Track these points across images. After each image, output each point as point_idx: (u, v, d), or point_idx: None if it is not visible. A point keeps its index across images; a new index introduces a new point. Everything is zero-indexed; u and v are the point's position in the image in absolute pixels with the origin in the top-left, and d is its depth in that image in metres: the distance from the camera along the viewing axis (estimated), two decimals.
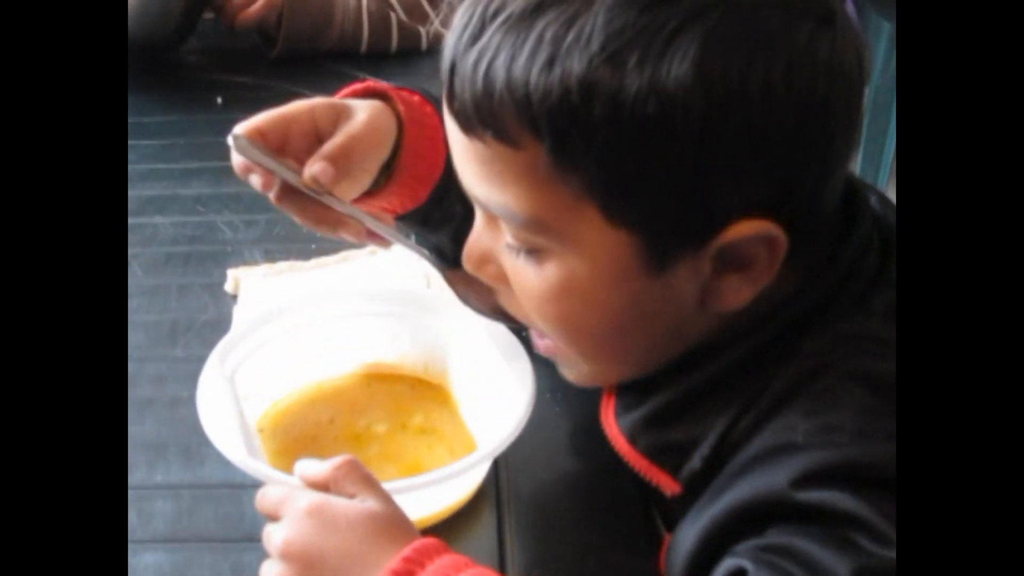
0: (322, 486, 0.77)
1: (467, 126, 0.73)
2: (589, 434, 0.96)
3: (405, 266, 1.14)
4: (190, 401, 0.96)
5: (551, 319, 0.79)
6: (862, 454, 0.68)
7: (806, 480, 0.67)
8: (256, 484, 0.86)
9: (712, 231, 0.71)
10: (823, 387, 0.72)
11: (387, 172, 0.96)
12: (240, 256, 1.22)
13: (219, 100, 1.58)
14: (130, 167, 1.40)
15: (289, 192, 0.89)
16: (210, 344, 0.93)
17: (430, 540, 0.73)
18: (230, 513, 0.90)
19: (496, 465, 0.92)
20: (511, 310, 0.84)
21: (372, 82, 0.99)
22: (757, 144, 0.68)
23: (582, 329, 0.79)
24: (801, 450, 0.69)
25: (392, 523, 0.75)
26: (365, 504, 0.75)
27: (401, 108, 0.96)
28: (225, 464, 0.92)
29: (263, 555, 0.76)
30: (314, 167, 0.87)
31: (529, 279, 0.77)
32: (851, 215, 0.78)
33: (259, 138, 0.88)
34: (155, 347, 1.08)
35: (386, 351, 1.01)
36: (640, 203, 0.71)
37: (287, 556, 0.73)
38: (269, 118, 0.89)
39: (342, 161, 0.88)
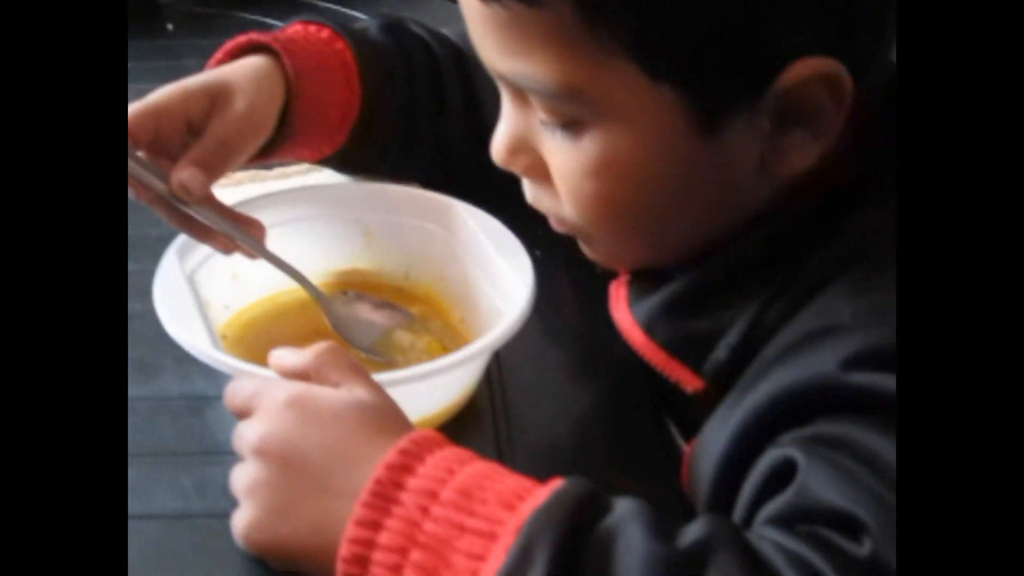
0: (302, 376, 0.67)
1: None
2: (592, 347, 0.88)
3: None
4: (143, 316, 0.86)
5: (594, 201, 0.70)
6: None
7: (858, 362, 0.59)
8: (219, 397, 0.76)
9: (767, 78, 0.64)
10: (869, 266, 0.64)
11: (282, 129, 0.88)
12: None
13: (169, 27, 1.47)
14: None
15: (159, 197, 0.81)
16: None
17: (429, 432, 0.63)
18: (190, 426, 0.79)
19: (491, 382, 0.83)
20: (543, 205, 0.76)
21: (256, 34, 0.90)
22: None
23: (626, 209, 0.70)
24: (849, 331, 0.61)
25: (384, 413, 0.65)
26: (352, 393, 0.65)
27: (287, 63, 0.88)
28: (183, 377, 0.83)
29: (229, 468, 0.67)
30: (182, 174, 0.79)
31: (568, 158, 0.69)
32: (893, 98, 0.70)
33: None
34: None
35: (361, 257, 0.90)
36: (682, 50, 0.63)
37: (263, 454, 0.63)
38: (135, 115, 0.81)
39: (216, 165, 0.81)
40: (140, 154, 0.81)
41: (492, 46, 0.68)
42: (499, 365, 0.84)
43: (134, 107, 0.82)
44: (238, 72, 0.86)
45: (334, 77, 0.91)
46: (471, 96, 0.98)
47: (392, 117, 0.95)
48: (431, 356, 0.82)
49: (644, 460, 0.79)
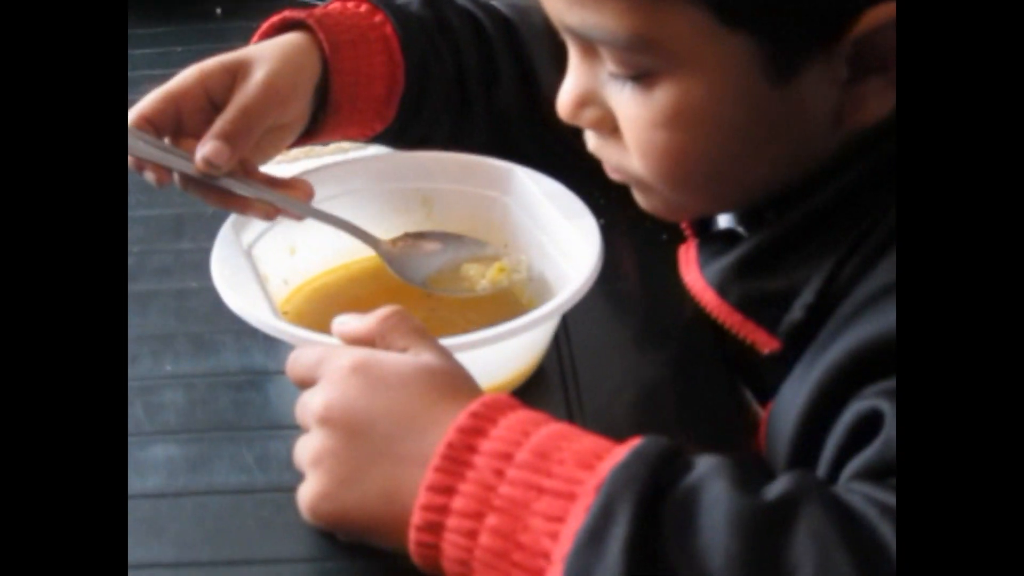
0: (367, 343, 0.65)
1: None
2: (659, 312, 0.86)
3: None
4: (201, 292, 0.85)
5: (665, 153, 0.68)
6: None
7: None
8: (279, 372, 0.74)
9: (842, 23, 0.61)
10: None
11: (324, 107, 0.87)
12: None
13: (218, 11, 1.46)
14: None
15: (192, 179, 0.80)
16: None
17: (500, 395, 0.60)
18: (252, 400, 0.78)
19: (560, 349, 0.80)
20: (606, 156, 0.74)
21: (290, 12, 0.89)
22: None
23: (697, 160, 0.68)
24: None
25: (453, 377, 0.63)
26: (420, 358, 0.63)
27: (322, 37, 0.86)
28: (242, 352, 0.82)
29: (292, 442, 0.65)
30: (204, 149, 0.78)
31: (639, 110, 0.67)
32: None
33: (146, 126, 0.80)
34: (157, 240, 0.96)
35: (422, 227, 0.88)
36: None
37: (328, 422, 0.61)
38: (154, 100, 0.80)
39: (239, 135, 0.79)
40: (165, 141, 0.80)
41: None
42: (567, 332, 0.81)
43: (152, 94, 0.81)
44: (263, 47, 0.85)
45: (374, 50, 0.89)
46: (524, 64, 0.96)
47: (441, 88, 0.93)
48: (495, 286, 0.81)
49: (717, 425, 0.77)
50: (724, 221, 0.79)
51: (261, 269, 0.80)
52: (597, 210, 0.82)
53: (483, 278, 0.82)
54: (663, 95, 0.65)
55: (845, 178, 0.67)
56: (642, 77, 0.66)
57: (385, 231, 0.86)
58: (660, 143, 0.67)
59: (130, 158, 0.79)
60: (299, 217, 0.82)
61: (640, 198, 0.75)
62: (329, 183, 0.85)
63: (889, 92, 0.64)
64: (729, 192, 0.72)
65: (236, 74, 0.82)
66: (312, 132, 0.88)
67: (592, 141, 0.74)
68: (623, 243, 0.90)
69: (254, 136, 0.81)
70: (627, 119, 0.68)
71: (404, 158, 0.90)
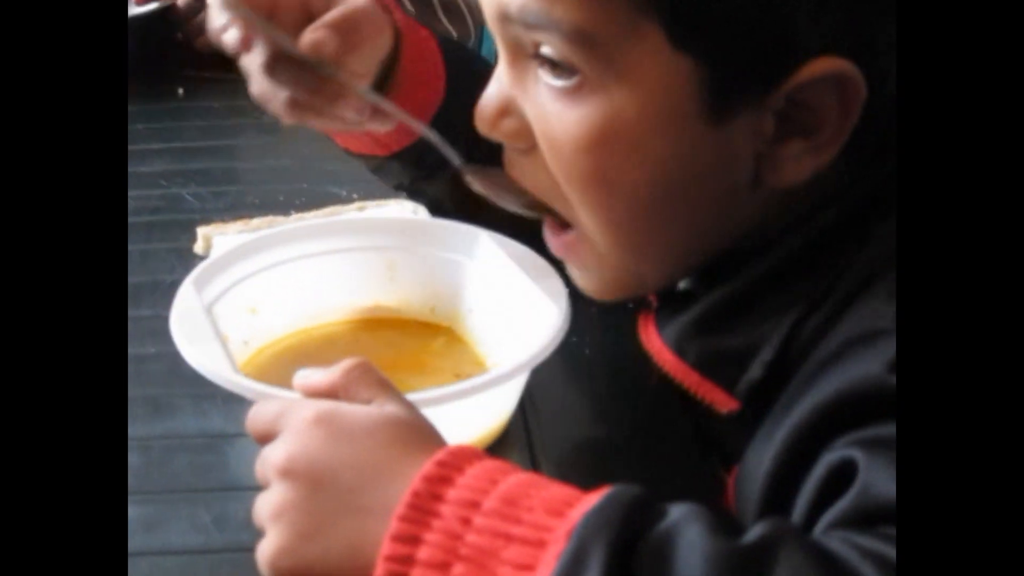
0: (329, 395, 0.63)
1: None
2: (625, 376, 0.85)
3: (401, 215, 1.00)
4: (159, 357, 0.84)
5: (584, 175, 0.66)
6: None
7: None
8: (237, 434, 0.73)
9: (783, 69, 0.62)
10: None
11: (382, 87, 0.85)
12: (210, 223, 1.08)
13: (180, 91, 1.46)
14: None
15: (280, 60, 0.78)
16: None
17: (465, 445, 0.59)
18: (209, 463, 0.76)
19: (524, 412, 0.79)
20: (526, 181, 0.71)
21: None
22: None
23: (620, 190, 0.66)
24: (892, 335, 0.57)
25: (418, 429, 0.61)
26: (383, 409, 0.61)
27: (399, 18, 0.87)
28: (202, 414, 0.80)
29: (250, 503, 0.62)
30: (316, 33, 0.76)
31: (563, 124, 0.65)
32: None
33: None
34: None
35: (386, 292, 0.87)
36: (712, 22, 0.61)
37: (289, 474, 0.59)
38: None
39: (347, 33, 0.78)
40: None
41: None
42: (532, 397, 0.80)
43: None
44: None
45: (425, 56, 0.90)
46: None
47: (466, 114, 0.93)
48: None
49: (684, 491, 0.75)
50: (684, 281, 0.78)
51: (221, 328, 0.78)
52: (564, 278, 0.81)
53: None
54: (592, 109, 0.64)
55: (803, 236, 0.66)
56: (571, 89, 0.64)
57: (349, 293, 0.85)
58: (584, 165, 0.65)
59: (215, 26, 0.79)
60: (390, 121, 0.82)
61: (578, 276, 0.74)
62: (292, 246, 0.84)
63: (808, 160, 0.64)
64: (662, 246, 0.70)
65: None
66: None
67: (507, 157, 0.72)
68: (589, 311, 0.89)
69: (357, 41, 0.80)
70: (548, 137, 0.66)
71: (369, 221, 0.90)
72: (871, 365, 0.57)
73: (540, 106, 0.66)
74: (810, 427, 0.59)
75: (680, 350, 0.70)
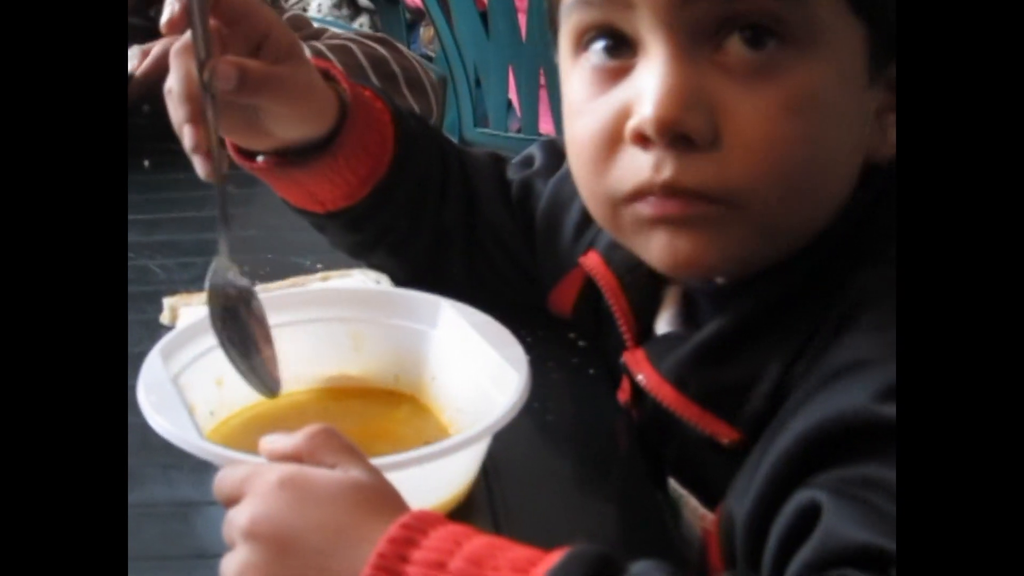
0: (295, 460, 0.64)
1: None
2: (591, 444, 0.86)
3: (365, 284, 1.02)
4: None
5: (792, 143, 0.66)
6: None
7: (891, 394, 0.57)
8: (206, 502, 0.73)
9: None
10: (892, 304, 0.62)
11: (321, 152, 0.90)
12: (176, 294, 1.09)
13: (146, 163, 1.47)
14: None
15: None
16: None
17: (429, 511, 0.60)
18: (177, 531, 0.77)
19: (488, 478, 0.80)
20: (703, 176, 0.67)
21: (323, 62, 0.92)
22: None
23: (814, 157, 0.67)
24: (877, 365, 0.59)
25: (382, 494, 0.62)
26: (348, 474, 0.62)
27: (347, 89, 0.90)
28: (170, 483, 0.80)
29: (218, 570, 0.63)
30: (222, 63, 0.79)
31: (763, 101, 0.66)
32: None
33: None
34: None
35: (350, 362, 0.88)
36: None
37: (254, 536, 0.60)
38: None
39: (256, 82, 0.81)
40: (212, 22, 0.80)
41: None
42: (495, 466, 0.81)
43: None
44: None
45: (374, 127, 0.92)
46: (470, 190, 0.98)
47: (407, 190, 0.95)
48: None
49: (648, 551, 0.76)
50: (663, 326, 0.79)
51: (188, 398, 0.79)
52: (525, 346, 0.82)
53: None
54: (792, 80, 0.65)
55: (810, 260, 0.69)
56: (767, 60, 0.65)
57: (314, 363, 0.86)
58: (788, 133, 0.66)
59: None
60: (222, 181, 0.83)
61: (686, 240, 0.69)
62: None
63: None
64: (797, 222, 0.69)
65: (294, 48, 0.86)
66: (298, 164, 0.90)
67: (672, 164, 0.67)
68: (551, 379, 0.91)
69: (264, 98, 0.83)
70: (749, 113, 0.66)
71: (333, 292, 0.91)
72: (854, 395, 0.59)
73: (730, 92, 0.66)
74: (794, 458, 0.61)
75: (680, 383, 0.71)
